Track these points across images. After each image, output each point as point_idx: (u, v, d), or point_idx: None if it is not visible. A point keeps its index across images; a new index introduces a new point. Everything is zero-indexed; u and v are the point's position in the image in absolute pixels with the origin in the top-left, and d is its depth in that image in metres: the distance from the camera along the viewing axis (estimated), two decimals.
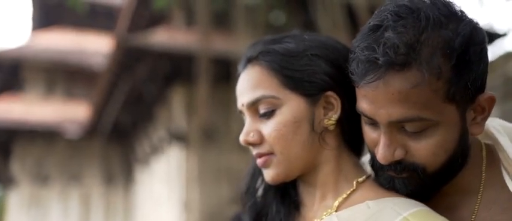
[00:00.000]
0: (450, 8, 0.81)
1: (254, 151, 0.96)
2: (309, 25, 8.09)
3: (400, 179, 0.87)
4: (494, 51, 12.76)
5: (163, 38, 9.57)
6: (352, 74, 0.83)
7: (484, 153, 0.92)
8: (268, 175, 0.95)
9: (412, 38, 0.76)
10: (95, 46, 15.70)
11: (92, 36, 16.44)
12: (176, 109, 10.18)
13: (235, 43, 8.26)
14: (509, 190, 0.84)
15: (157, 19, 10.77)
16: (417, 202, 0.86)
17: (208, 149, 9.17)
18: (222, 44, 8.89)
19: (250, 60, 0.98)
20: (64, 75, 15.83)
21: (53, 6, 16.21)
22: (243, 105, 0.97)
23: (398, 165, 0.84)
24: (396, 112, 0.79)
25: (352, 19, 7.58)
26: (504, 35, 13.18)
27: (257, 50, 0.98)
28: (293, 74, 0.93)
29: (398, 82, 0.77)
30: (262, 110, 0.94)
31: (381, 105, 0.80)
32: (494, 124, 0.96)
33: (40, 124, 14.02)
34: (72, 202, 15.16)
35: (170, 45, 9.31)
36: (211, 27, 8.47)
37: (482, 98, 0.84)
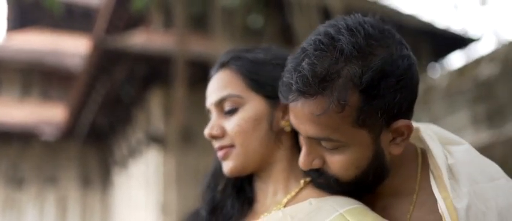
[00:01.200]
0: (370, 39, 0.87)
1: (216, 144, 1.06)
2: (286, 28, 8.18)
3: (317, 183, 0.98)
4: (468, 55, 13.02)
5: (141, 40, 9.56)
6: (279, 90, 0.94)
7: (419, 158, 0.99)
8: (227, 166, 1.04)
9: (323, 70, 0.84)
10: (71, 47, 15.59)
11: (68, 37, 16.32)
12: (154, 111, 10.18)
13: (213, 46, 8.30)
14: (437, 192, 0.92)
15: (136, 21, 10.76)
16: (356, 201, 0.94)
17: (186, 151, 9.18)
18: (200, 47, 8.92)
19: (222, 65, 1.08)
20: (40, 77, 15.68)
21: (29, 6, 16.06)
22: (211, 104, 1.07)
23: (316, 172, 0.95)
24: (311, 130, 0.88)
25: None
26: (477, 39, 13.44)
27: (229, 56, 1.08)
28: (258, 78, 1.03)
29: (308, 107, 0.86)
30: (227, 108, 1.04)
31: (300, 121, 0.89)
32: (428, 131, 1.04)
33: (16, 125, 13.87)
34: (48, 205, 15.01)
35: (148, 48, 9.31)
36: (189, 30, 8.51)
37: (399, 124, 0.90)
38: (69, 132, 13.83)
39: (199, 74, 8.45)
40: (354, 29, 0.87)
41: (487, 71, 5.92)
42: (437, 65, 14.02)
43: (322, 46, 0.86)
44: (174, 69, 8.28)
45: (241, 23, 9.26)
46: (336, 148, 0.90)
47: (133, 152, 11.88)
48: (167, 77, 8.99)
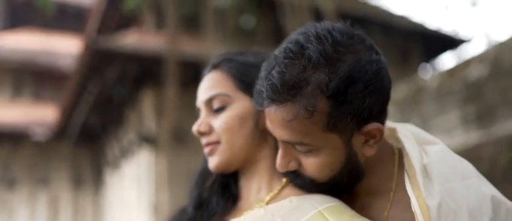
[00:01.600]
0: (338, 46, 0.90)
1: (204, 140, 1.10)
2: (278, 29, 8.21)
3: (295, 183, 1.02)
4: (459, 56, 13.10)
5: (133, 40, 9.55)
6: (254, 97, 0.98)
7: (396, 158, 1.02)
8: (213, 161, 1.09)
9: (292, 78, 0.88)
10: (63, 47, 15.53)
11: (60, 37, 16.26)
12: (146, 112, 10.17)
13: (205, 46, 8.31)
14: (411, 191, 0.95)
15: (127, 21, 10.75)
16: (335, 199, 0.97)
17: (178, 151, 9.18)
18: (192, 47, 8.92)
19: (214, 67, 1.13)
20: (32, 77, 15.62)
21: (20, 6, 16.00)
22: (201, 102, 1.12)
23: (293, 173, 0.99)
24: (284, 135, 0.92)
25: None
26: (467, 40, 13.52)
27: (221, 58, 1.13)
28: (247, 79, 1.07)
29: (280, 113, 0.90)
30: (215, 106, 1.09)
31: (274, 126, 0.93)
32: (404, 131, 1.06)
33: (7, 126, 13.80)
34: (39, 206, 14.95)
35: (140, 48, 9.31)
36: (181, 30, 8.51)
37: (371, 127, 0.93)
38: (60, 132, 13.79)
39: (191, 75, 8.47)
40: (322, 37, 0.90)
41: (476, 72, 5.97)
42: (428, 65, 14.10)
43: (291, 54, 0.90)
44: (166, 70, 8.28)
45: (233, 24, 9.28)
46: (309, 151, 0.94)
47: (125, 153, 11.86)
48: (159, 77, 8.99)
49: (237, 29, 9.43)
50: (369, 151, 0.96)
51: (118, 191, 12.91)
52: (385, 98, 0.95)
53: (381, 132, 0.94)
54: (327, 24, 0.95)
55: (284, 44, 0.93)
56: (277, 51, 0.94)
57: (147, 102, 10.11)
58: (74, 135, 13.63)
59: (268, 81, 0.90)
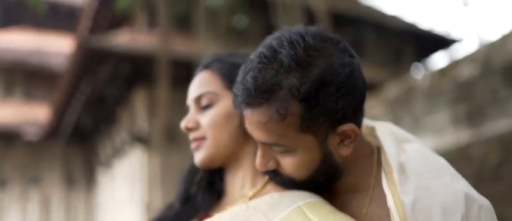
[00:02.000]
0: (310, 50, 0.92)
1: (191, 136, 1.15)
2: (270, 29, 8.21)
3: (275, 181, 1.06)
4: (451, 56, 13.17)
5: (125, 40, 9.55)
6: (232, 101, 1.01)
7: (375, 156, 1.05)
8: (199, 156, 1.13)
9: (265, 82, 0.91)
10: (55, 47, 15.49)
11: (52, 36, 16.22)
12: (138, 111, 10.17)
13: (198, 46, 8.32)
14: (387, 188, 0.98)
15: (119, 21, 10.74)
16: (315, 195, 1.01)
17: (170, 151, 9.18)
18: (184, 47, 8.93)
19: (205, 67, 1.17)
20: (23, 76, 15.57)
21: (12, 5, 15.94)
22: (191, 100, 1.16)
23: (272, 172, 1.03)
24: (261, 136, 0.96)
25: (312, 22, 7.73)
26: (459, 41, 13.61)
27: (212, 59, 1.17)
28: (234, 79, 1.09)
29: (256, 116, 0.94)
30: (203, 103, 1.13)
31: (251, 128, 0.97)
32: (384, 129, 1.09)
33: None
34: (31, 206, 14.90)
35: (132, 47, 9.30)
36: (173, 30, 8.52)
37: (345, 128, 0.96)
38: (52, 132, 13.75)
39: (184, 74, 8.48)
40: (295, 42, 0.92)
41: (467, 72, 6.02)
42: (419, 65, 14.17)
43: (264, 59, 0.93)
44: (158, 69, 8.29)
45: (226, 24, 9.29)
46: (286, 152, 0.97)
47: (117, 152, 11.85)
48: (151, 77, 8.99)
49: (229, 28, 9.45)
50: (345, 151, 0.99)
51: (110, 191, 12.89)
52: (359, 99, 0.98)
53: (355, 132, 0.97)
54: (300, 28, 0.97)
55: (259, 49, 0.97)
56: (253, 55, 0.97)
57: (139, 102, 10.11)
58: (66, 134, 13.60)
59: (243, 85, 0.94)
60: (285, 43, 0.93)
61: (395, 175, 0.97)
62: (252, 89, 0.92)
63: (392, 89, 7.11)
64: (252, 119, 0.95)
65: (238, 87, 0.96)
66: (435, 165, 0.99)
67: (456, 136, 6.01)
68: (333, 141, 0.97)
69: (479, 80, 5.84)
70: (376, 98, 7.14)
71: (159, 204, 9.33)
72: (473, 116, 5.88)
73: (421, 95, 6.61)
